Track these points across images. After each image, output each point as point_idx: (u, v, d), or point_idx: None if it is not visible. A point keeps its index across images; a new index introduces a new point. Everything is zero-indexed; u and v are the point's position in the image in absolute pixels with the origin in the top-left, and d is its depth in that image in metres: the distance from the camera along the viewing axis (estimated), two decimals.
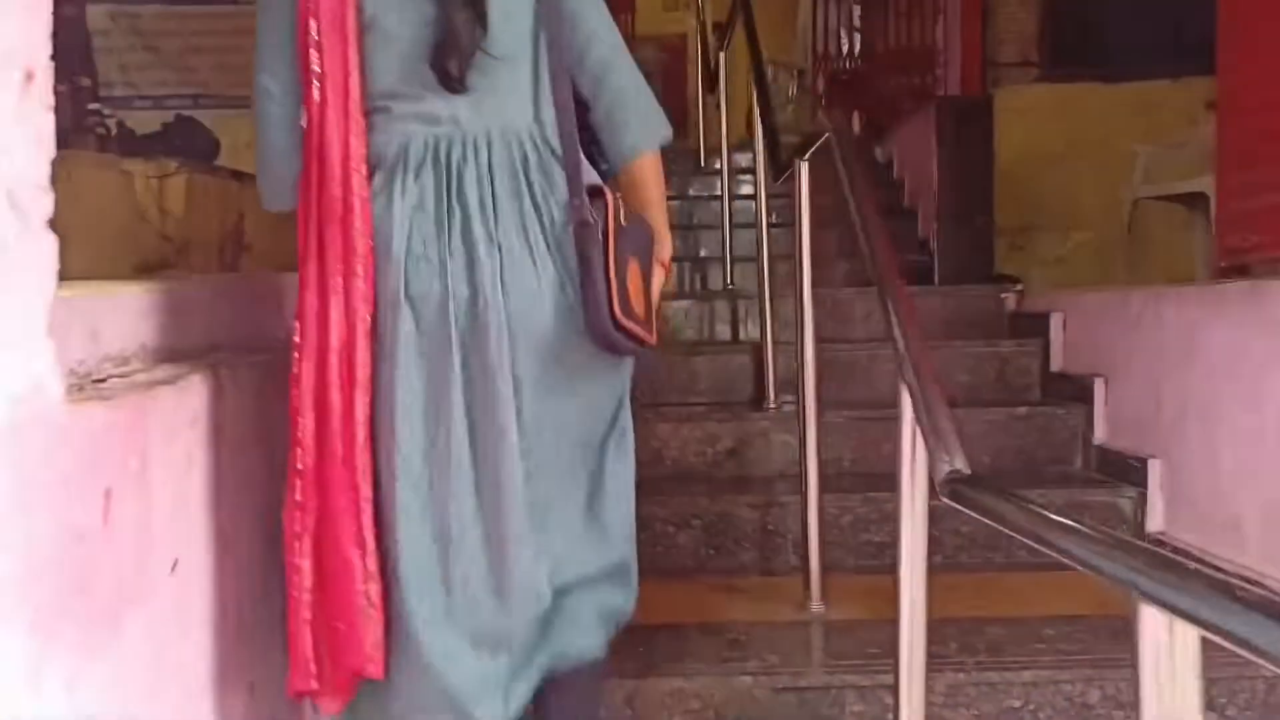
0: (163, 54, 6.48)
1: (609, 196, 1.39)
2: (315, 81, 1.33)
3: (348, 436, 1.30)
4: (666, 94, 8.55)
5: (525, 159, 1.38)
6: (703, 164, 5.08)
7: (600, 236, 1.33)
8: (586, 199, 1.37)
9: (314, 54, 1.32)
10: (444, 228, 1.33)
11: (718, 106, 4.43)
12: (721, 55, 4.22)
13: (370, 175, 1.36)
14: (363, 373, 1.32)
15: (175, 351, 1.44)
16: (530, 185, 1.37)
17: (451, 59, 1.32)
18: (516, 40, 1.38)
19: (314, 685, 1.32)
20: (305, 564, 1.31)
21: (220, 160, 5.13)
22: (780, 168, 2.39)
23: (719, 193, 4.24)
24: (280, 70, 1.38)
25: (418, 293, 1.32)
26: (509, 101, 1.40)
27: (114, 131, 4.59)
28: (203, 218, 4.06)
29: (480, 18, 1.32)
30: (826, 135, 1.85)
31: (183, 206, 3.92)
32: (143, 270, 3.72)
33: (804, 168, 2.06)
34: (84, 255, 3.43)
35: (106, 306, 1.29)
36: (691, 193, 4.75)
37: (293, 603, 1.32)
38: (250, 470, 1.49)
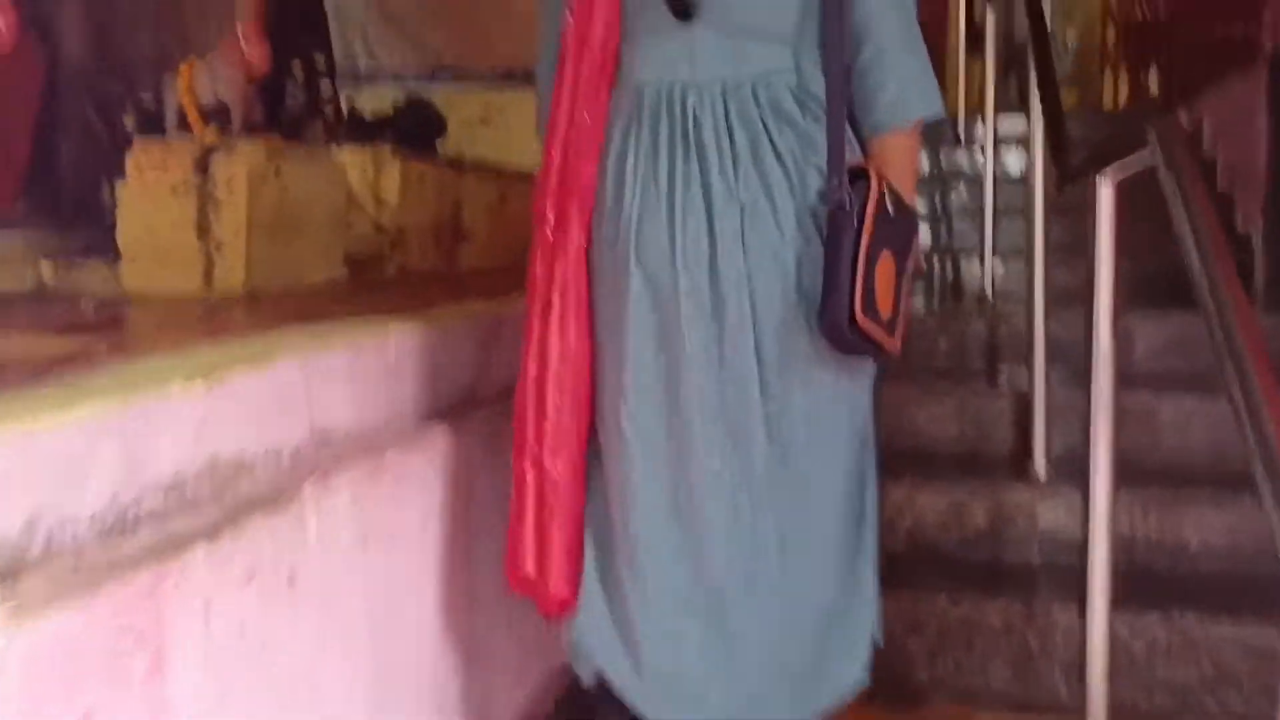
0: (402, 24, 6.51)
1: (874, 180, 1.22)
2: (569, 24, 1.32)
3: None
4: None
5: (774, 113, 1.27)
6: (960, 132, 4.38)
7: (855, 224, 1.20)
8: (846, 179, 1.23)
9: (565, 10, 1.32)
10: (677, 179, 1.26)
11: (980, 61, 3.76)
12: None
13: (608, 128, 1.32)
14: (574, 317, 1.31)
15: (262, 456, 1.15)
16: (775, 144, 1.26)
17: None
18: None
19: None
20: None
21: (446, 141, 5.03)
22: (1069, 171, 1.82)
23: (978, 169, 3.59)
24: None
25: (648, 247, 1.27)
26: (756, 45, 1.28)
27: (344, 116, 4.54)
28: (418, 207, 3.92)
29: None
30: (1149, 154, 1.29)
31: (397, 195, 3.79)
32: (356, 263, 3.63)
33: (1106, 185, 1.49)
34: (296, 252, 3.29)
35: (153, 416, 0.99)
36: (944, 167, 4.08)
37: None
38: (372, 611, 1.19)
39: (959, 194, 3.83)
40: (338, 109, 4.60)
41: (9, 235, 3.40)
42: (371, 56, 6.60)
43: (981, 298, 3.01)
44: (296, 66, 4.54)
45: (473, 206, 4.27)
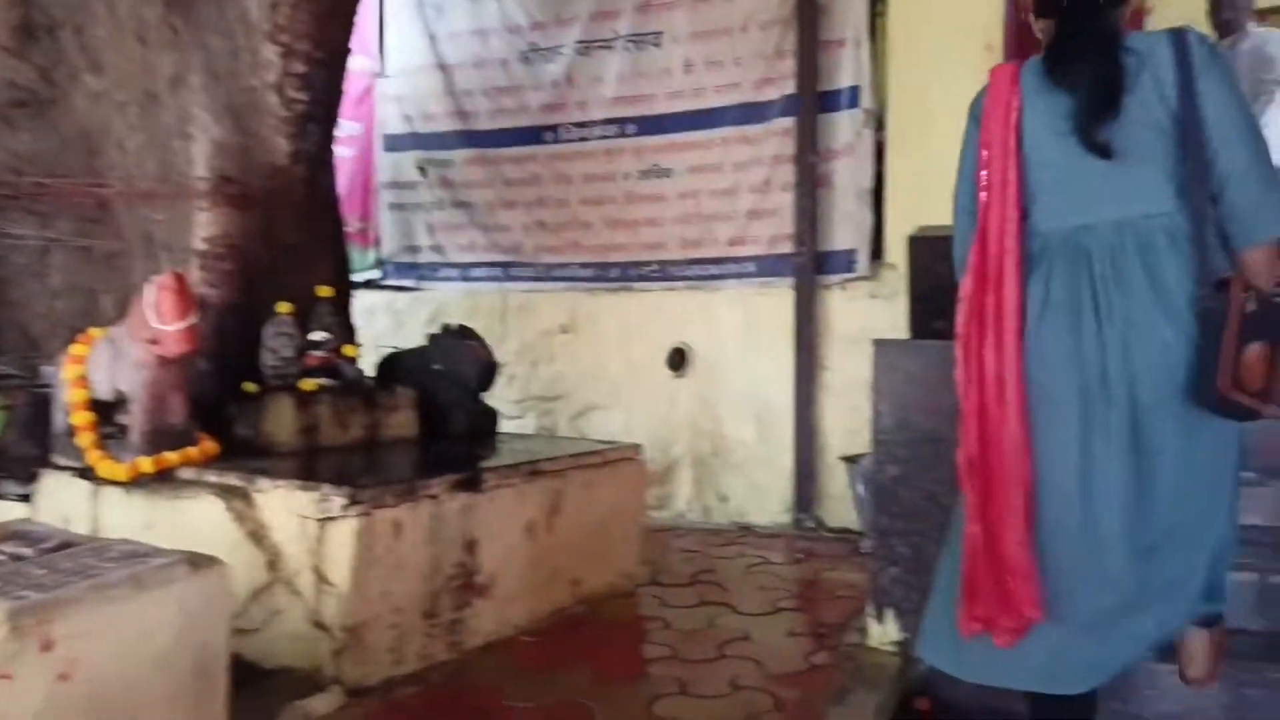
0: (473, 208, 5.14)
1: (1234, 290, 1.52)
2: (983, 189, 1.72)
3: (1004, 443, 1.63)
4: None
5: (1156, 246, 1.57)
6: None
7: (1220, 323, 1.52)
8: (1211, 290, 1.54)
9: (983, 172, 1.72)
10: (1081, 303, 1.60)
11: None
12: None
13: (1023, 265, 1.66)
14: (1013, 393, 1.63)
15: None
16: (1158, 269, 1.57)
17: (1090, 124, 1.59)
18: (1145, 134, 1.59)
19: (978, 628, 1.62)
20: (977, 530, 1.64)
21: (498, 378, 3.51)
22: None
23: None
24: (969, 189, 1.76)
25: (1059, 348, 1.61)
26: (1144, 191, 1.60)
27: (336, 371, 3.09)
28: (398, 575, 2.32)
29: (1108, 105, 1.58)
30: None
31: (350, 570, 2.21)
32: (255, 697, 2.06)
33: None
34: None
35: None
36: None
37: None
38: None
39: None
40: (329, 361, 3.14)
41: None
42: (437, 249, 5.17)
43: None
44: (283, 309, 3.15)
45: (499, 535, 2.64)
